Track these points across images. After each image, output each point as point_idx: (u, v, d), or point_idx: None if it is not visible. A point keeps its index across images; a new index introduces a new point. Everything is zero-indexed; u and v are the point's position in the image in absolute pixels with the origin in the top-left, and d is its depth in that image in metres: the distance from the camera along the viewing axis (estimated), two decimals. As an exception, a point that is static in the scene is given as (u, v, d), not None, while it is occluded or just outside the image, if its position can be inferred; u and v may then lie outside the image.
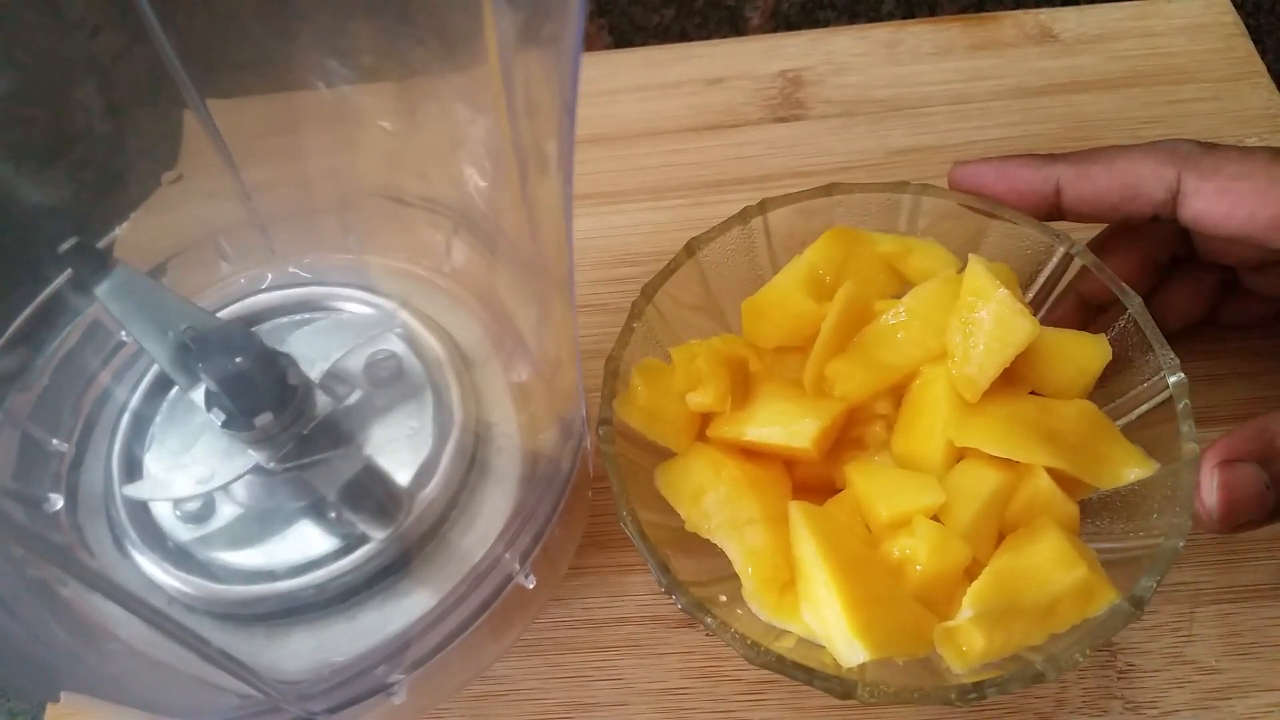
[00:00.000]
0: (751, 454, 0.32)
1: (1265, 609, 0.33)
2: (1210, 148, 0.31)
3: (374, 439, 0.30)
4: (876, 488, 0.30)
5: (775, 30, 0.60)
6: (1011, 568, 0.28)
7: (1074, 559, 0.28)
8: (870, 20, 0.56)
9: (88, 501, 0.30)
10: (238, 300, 0.34)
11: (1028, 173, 0.33)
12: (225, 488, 0.29)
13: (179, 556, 0.29)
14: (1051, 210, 0.33)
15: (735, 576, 0.30)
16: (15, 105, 0.29)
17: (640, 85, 0.48)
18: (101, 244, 0.32)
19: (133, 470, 0.30)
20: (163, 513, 0.29)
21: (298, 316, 0.34)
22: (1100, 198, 0.32)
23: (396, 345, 0.32)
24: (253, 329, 0.32)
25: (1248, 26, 0.47)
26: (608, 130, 0.47)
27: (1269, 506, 0.28)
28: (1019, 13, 0.49)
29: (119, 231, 0.32)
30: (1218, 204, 0.30)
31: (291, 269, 0.35)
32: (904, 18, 0.55)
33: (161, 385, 0.32)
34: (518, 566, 0.29)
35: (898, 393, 0.32)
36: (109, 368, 0.33)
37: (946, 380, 0.31)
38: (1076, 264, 0.33)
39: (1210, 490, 0.28)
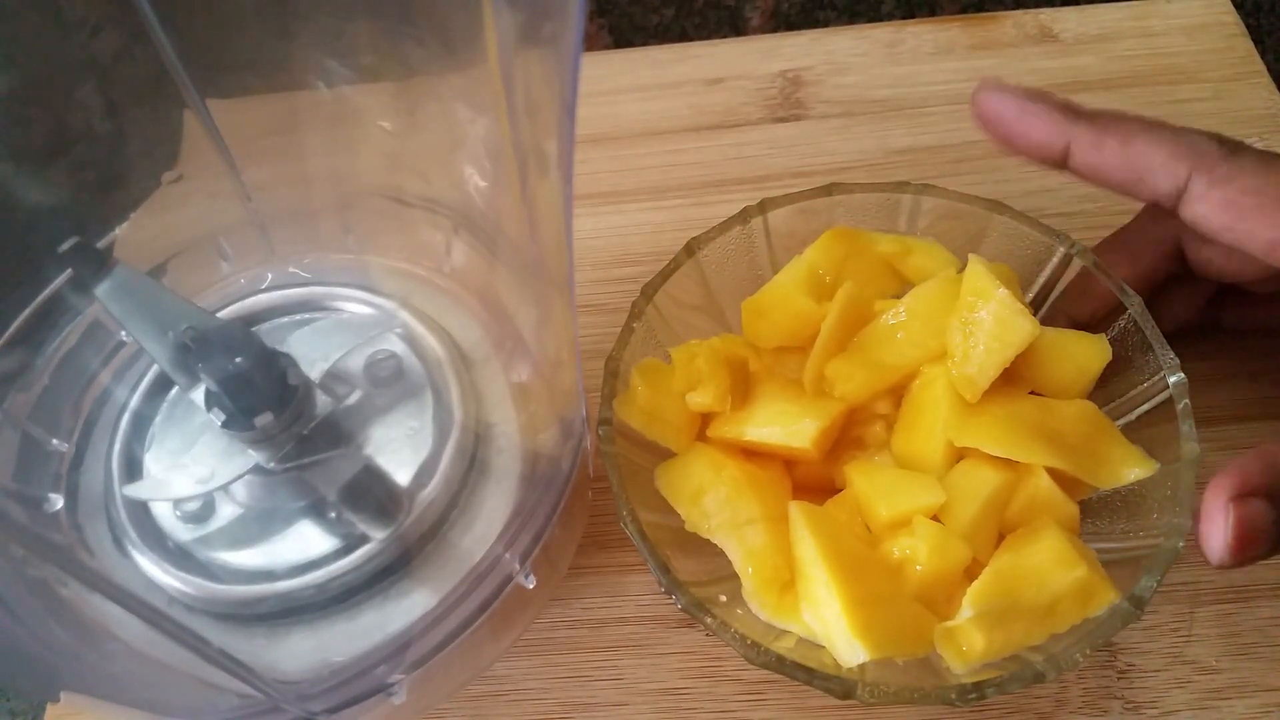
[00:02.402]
0: (751, 454, 0.32)
1: (1265, 609, 0.33)
2: (1231, 152, 0.30)
3: (374, 439, 0.30)
4: (876, 488, 0.30)
5: (775, 30, 0.60)
6: (1011, 567, 0.28)
7: (1074, 559, 0.28)
8: (870, 20, 0.56)
9: (88, 501, 0.30)
10: (238, 300, 0.34)
11: (1044, 125, 0.31)
12: (225, 488, 0.29)
13: (179, 556, 0.29)
14: (1057, 164, 0.32)
15: (735, 576, 0.30)
16: (15, 105, 0.29)
17: (640, 85, 0.48)
18: (101, 244, 0.32)
19: (133, 470, 0.30)
20: (163, 513, 0.29)
21: (298, 316, 0.34)
22: (1108, 173, 0.31)
23: (396, 345, 0.32)
24: (253, 329, 0.32)
25: (1248, 26, 0.47)
26: (608, 130, 0.47)
27: (1274, 541, 0.27)
28: (1019, 13, 0.49)
29: (119, 231, 0.32)
30: (1221, 214, 0.29)
31: (291, 269, 0.35)
32: (904, 18, 0.55)
33: (161, 385, 0.32)
34: (518, 566, 0.29)
35: (898, 393, 0.32)
36: (109, 368, 0.33)
37: (946, 380, 0.31)
38: (1076, 264, 0.33)
39: (1224, 528, 0.26)
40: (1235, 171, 0.29)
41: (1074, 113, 0.31)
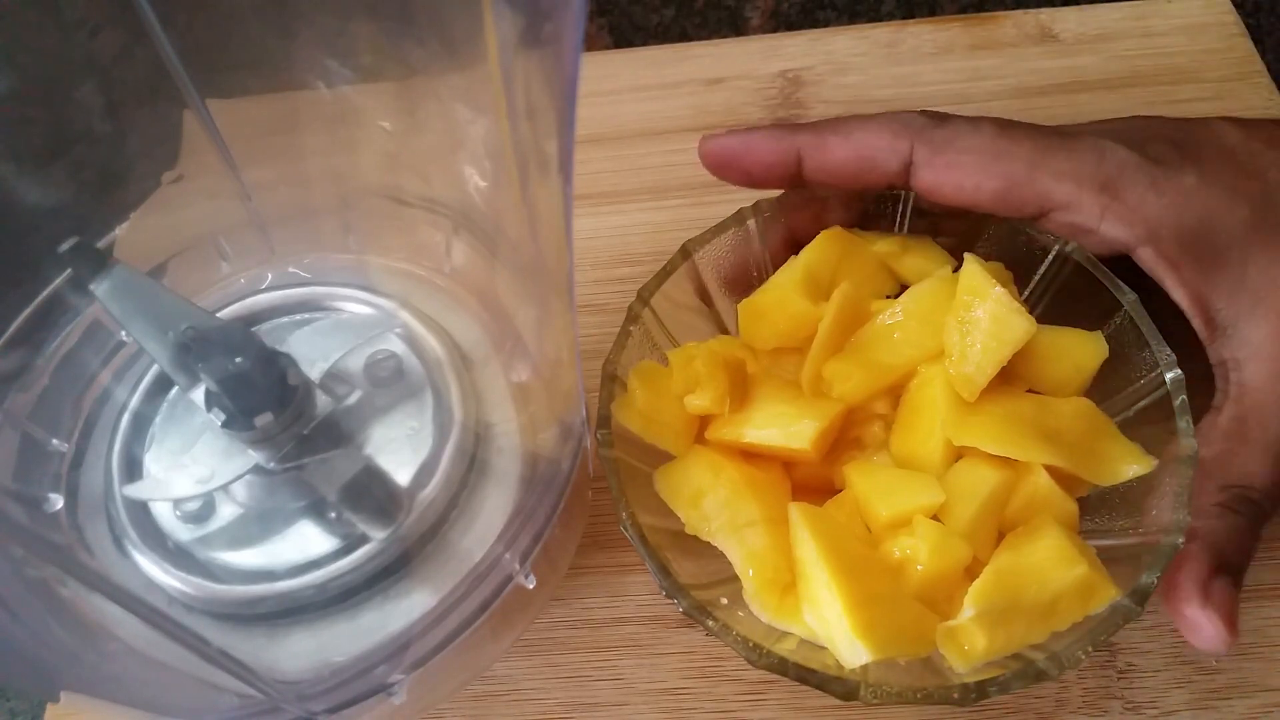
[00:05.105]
0: (750, 456, 0.32)
1: (1265, 609, 0.33)
2: (941, 120, 0.32)
3: (374, 439, 0.30)
4: (876, 488, 0.30)
5: (775, 30, 0.60)
6: (1012, 566, 0.28)
7: (1074, 556, 0.28)
8: (870, 20, 0.56)
9: (88, 501, 0.30)
10: (238, 300, 0.34)
11: (770, 145, 0.34)
12: (225, 488, 0.29)
13: (179, 556, 0.29)
14: (795, 179, 0.34)
15: (736, 579, 0.30)
16: (15, 105, 0.29)
17: (640, 85, 0.48)
18: (101, 244, 0.32)
19: (133, 470, 0.30)
20: (163, 513, 0.29)
21: (298, 316, 0.34)
22: (838, 168, 0.33)
23: (396, 345, 0.32)
24: (253, 329, 0.32)
25: (1248, 26, 0.47)
26: (608, 130, 0.47)
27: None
28: (1019, 13, 0.49)
29: (119, 231, 0.32)
30: (947, 177, 0.32)
31: (291, 269, 0.35)
32: (904, 18, 0.55)
33: (161, 385, 0.32)
34: (518, 566, 0.29)
35: (896, 392, 0.32)
36: (109, 368, 0.33)
37: (944, 379, 0.31)
38: (1072, 263, 0.33)
39: (1214, 622, 0.28)
40: (951, 135, 0.32)
41: (793, 127, 0.34)
